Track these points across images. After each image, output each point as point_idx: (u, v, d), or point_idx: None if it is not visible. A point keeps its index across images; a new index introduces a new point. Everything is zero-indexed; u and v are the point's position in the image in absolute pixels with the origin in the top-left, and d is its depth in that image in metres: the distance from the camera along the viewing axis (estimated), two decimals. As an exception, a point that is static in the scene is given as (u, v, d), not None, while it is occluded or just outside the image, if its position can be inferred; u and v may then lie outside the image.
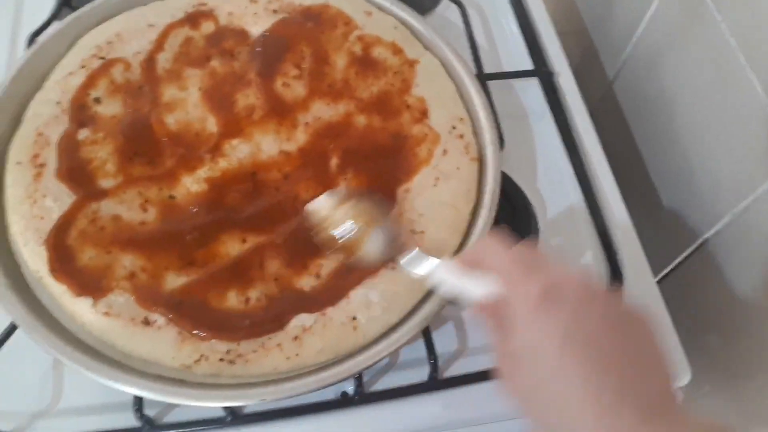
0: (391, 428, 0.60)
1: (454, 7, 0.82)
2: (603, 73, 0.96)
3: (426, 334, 0.60)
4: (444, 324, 0.65)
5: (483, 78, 0.74)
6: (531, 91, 0.79)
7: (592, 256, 0.69)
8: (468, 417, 0.61)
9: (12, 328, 0.56)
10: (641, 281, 0.68)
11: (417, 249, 0.53)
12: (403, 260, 0.53)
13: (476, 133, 0.66)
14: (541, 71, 0.78)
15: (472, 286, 0.46)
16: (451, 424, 0.61)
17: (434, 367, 0.59)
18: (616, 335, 0.40)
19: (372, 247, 0.55)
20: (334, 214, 0.56)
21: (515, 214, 0.68)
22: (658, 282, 0.70)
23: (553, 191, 0.73)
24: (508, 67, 0.80)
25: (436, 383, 0.60)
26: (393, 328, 0.56)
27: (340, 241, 0.55)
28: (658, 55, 0.80)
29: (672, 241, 0.81)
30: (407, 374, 0.61)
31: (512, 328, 0.42)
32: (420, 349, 0.60)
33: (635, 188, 0.84)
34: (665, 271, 0.83)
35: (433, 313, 0.56)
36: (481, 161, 0.64)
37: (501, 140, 0.67)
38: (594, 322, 0.40)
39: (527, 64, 0.79)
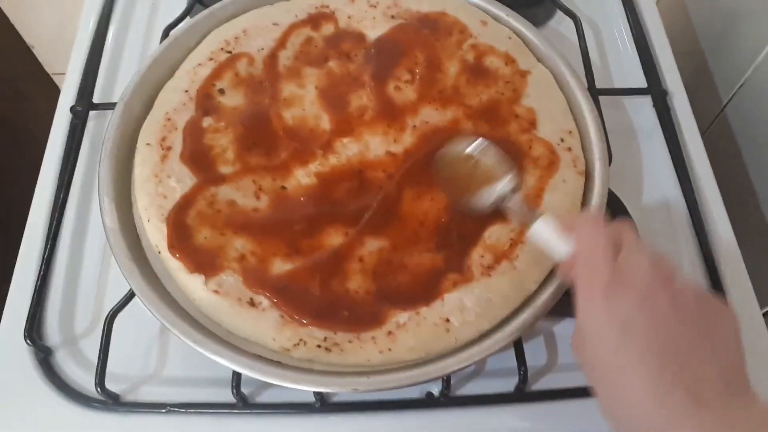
0: (473, 434, 0.60)
1: (568, 20, 0.82)
2: (716, 96, 0.92)
3: (517, 344, 0.60)
4: (535, 337, 0.64)
5: (594, 93, 0.73)
6: (642, 109, 0.77)
7: (695, 277, 0.66)
8: (552, 432, 0.60)
9: (129, 297, 0.60)
10: (746, 313, 0.65)
11: (522, 199, 0.58)
12: (512, 205, 0.57)
13: (584, 147, 0.65)
14: (655, 90, 0.76)
15: (561, 247, 0.50)
16: (535, 438, 0.60)
17: (523, 378, 0.59)
18: (685, 320, 0.41)
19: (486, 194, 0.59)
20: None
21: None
22: (765, 315, 0.66)
23: (659, 212, 0.71)
24: (619, 84, 0.79)
25: (523, 395, 0.60)
26: (485, 335, 0.57)
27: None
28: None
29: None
30: (494, 382, 0.61)
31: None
32: (507, 358, 0.60)
33: (745, 218, 0.80)
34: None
35: (528, 325, 0.56)
36: (587, 176, 0.64)
37: (609, 156, 0.66)
38: (661, 308, 0.41)
39: (640, 82, 0.78)
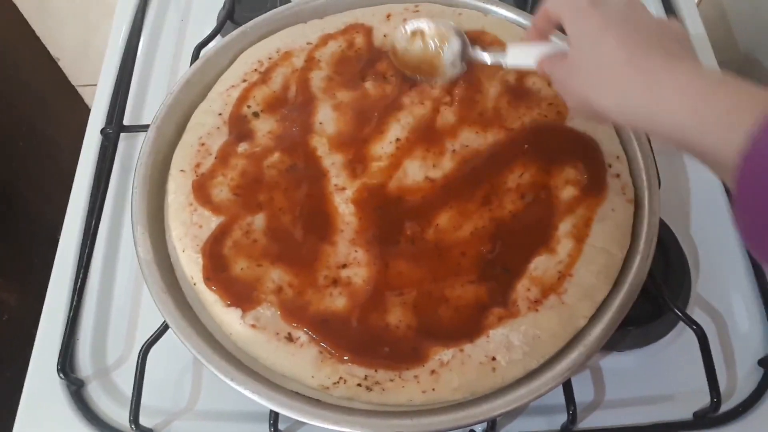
0: (518, 476, 0.58)
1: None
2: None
3: (566, 382, 0.57)
4: (581, 372, 0.61)
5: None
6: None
7: (748, 315, 0.64)
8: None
9: (163, 330, 0.59)
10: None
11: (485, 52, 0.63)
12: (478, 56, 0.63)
13: (632, 173, 0.63)
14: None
15: (533, 54, 0.55)
16: (582, 479, 0.58)
17: (572, 418, 0.57)
18: (654, 23, 0.46)
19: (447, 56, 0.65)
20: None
21: (667, 264, 0.64)
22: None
23: (708, 238, 0.68)
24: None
25: (571, 434, 0.58)
26: (532, 373, 0.54)
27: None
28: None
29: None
30: (539, 420, 0.59)
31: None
32: (554, 394, 0.57)
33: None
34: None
35: (578, 364, 0.53)
36: (636, 203, 0.61)
37: (658, 181, 0.63)
38: (636, 11, 0.47)
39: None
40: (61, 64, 1.23)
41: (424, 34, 0.66)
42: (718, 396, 0.57)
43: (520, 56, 0.57)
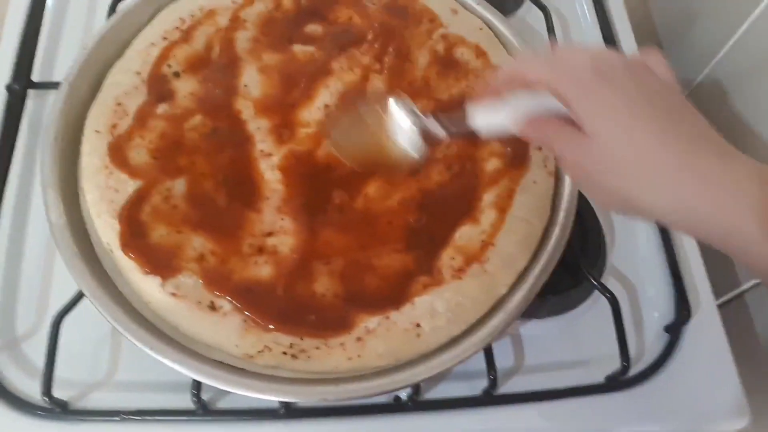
0: (440, 438, 0.59)
1: (536, 10, 0.80)
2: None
3: (487, 348, 0.59)
4: (502, 339, 0.64)
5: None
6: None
7: (656, 285, 0.67)
8: (519, 435, 0.60)
9: (78, 298, 0.56)
10: (705, 311, 0.66)
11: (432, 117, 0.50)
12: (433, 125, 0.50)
13: (555, 146, 0.64)
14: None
15: (508, 113, 0.45)
16: (501, 441, 0.60)
17: (492, 383, 0.58)
18: (670, 94, 0.41)
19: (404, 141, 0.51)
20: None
21: (584, 235, 0.67)
22: (720, 307, 0.68)
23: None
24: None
25: (491, 398, 0.60)
26: (455, 340, 0.56)
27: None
28: (737, 81, 0.78)
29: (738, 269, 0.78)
30: (461, 385, 0.61)
31: (574, 120, 0.42)
32: (475, 361, 0.59)
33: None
34: (728, 296, 0.81)
35: (499, 330, 0.55)
36: (557, 176, 0.63)
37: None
38: (648, 84, 0.41)
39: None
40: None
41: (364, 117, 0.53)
42: (628, 360, 0.60)
43: (494, 119, 0.47)
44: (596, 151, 0.41)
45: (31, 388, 0.56)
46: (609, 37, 0.81)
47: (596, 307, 0.65)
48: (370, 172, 0.58)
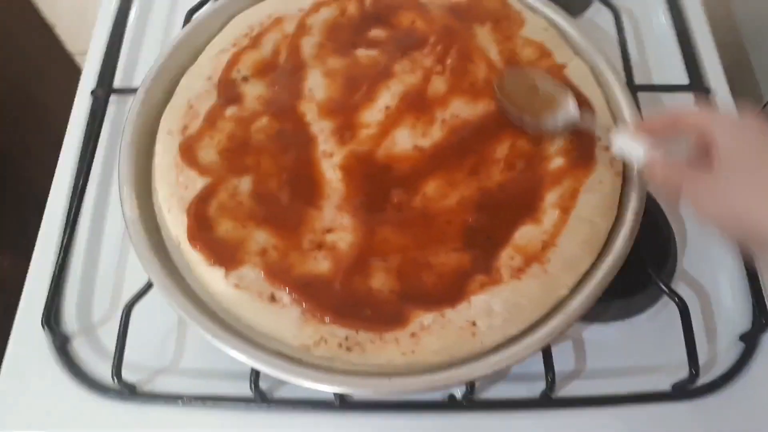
0: (495, 440, 0.58)
1: (606, 11, 0.79)
2: (757, 91, 0.88)
3: (546, 349, 0.58)
4: (562, 341, 0.62)
5: (633, 89, 0.70)
6: (683, 106, 0.74)
7: (732, 291, 0.64)
8: (579, 442, 0.58)
9: (147, 288, 0.59)
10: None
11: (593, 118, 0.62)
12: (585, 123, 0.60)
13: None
14: (697, 87, 0.73)
15: (646, 147, 0.53)
16: (560, 447, 0.58)
17: (550, 385, 0.57)
18: None
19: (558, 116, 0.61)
20: None
21: (654, 239, 0.64)
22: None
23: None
24: (659, 80, 0.76)
25: (549, 401, 0.58)
26: (512, 340, 0.55)
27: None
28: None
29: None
30: (519, 387, 0.60)
31: (711, 156, 0.48)
32: (534, 363, 0.58)
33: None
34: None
35: (558, 332, 0.54)
36: (624, 177, 0.61)
37: (647, 157, 0.63)
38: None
39: (682, 79, 0.75)
40: (57, 30, 1.22)
41: (539, 86, 0.64)
42: (697, 368, 0.57)
43: (632, 146, 0.54)
44: (724, 182, 0.47)
45: (103, 371, 0.59)
46: (684, 40, 0.78)
47: (665, 312, 0.63)
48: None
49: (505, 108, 0.63)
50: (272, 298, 0.55)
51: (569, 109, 0.61)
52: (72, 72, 1.21)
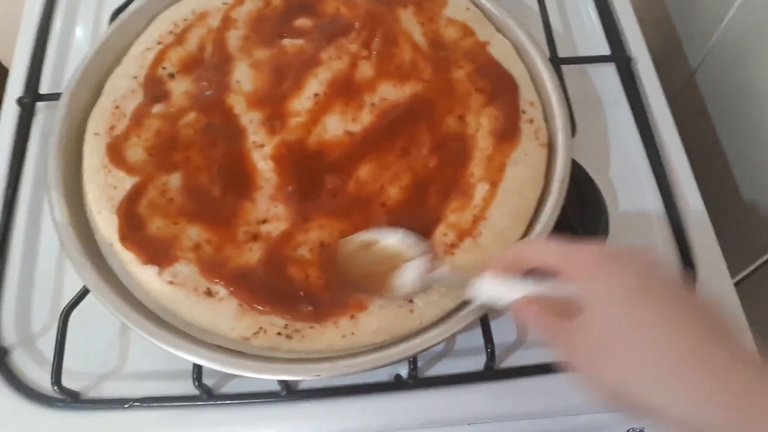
0: (443, 415, 0.59)
1: (528, -15, 0.80)
2: (685, 63, 0.91)
3: (484, 322, 0.59)
4: (502, 315, 0.63)
5: (557, 62, 0.72)
6: (606, 77, 0.76)
7: (665, 253, 0.66)
8: (522, 410, 0.59)
9: (84, 293, 0.59)
10: (717, 281, 0.64)
11: (448, 271, 0.54)
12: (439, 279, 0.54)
13: (547, 118, 0.64)
14: (619, 56, 0.75)
15: (513, 291, 0.47)
16: (505, 416, 0.59)
17: (491, 357, 0.58)
18: (686, 297, 0.40)
19: (405, 279, 0.54)
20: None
21: (585, 206, 0.66)
22: (736, 284, 0.66)
23: (626, 182, 0.70)
24: (583, 53, 0.77)
25: (492, 373, 0.59)
26: (450, 314, 0.55)
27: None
28: (747, 44, 0.75)
29: (754, 242, 0.76)
30: (463, 362, 0.60)
31: (575, 302, 0.41)
32: (476, 337, 0.59)
33: (715, 184, 0.80)
34: (744, 272, 0.78)
35: (493, 301, 0.55)
36: (551, 148, 0.62)
37: (573, 126, 0.64)
38: (661, 281, 0.40)
39: (604, 50, 0.76)
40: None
41: (376, 246, 0.56)
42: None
43: (495, 291, 0.48)
44: (589, 333, 0.41)
45: (45, 381, 0.58)
46: (605, 15, 0.79)
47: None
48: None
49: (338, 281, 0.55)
50: (208, 293, 0.55)
51: (414, 265, 0.54)
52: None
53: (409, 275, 0.54)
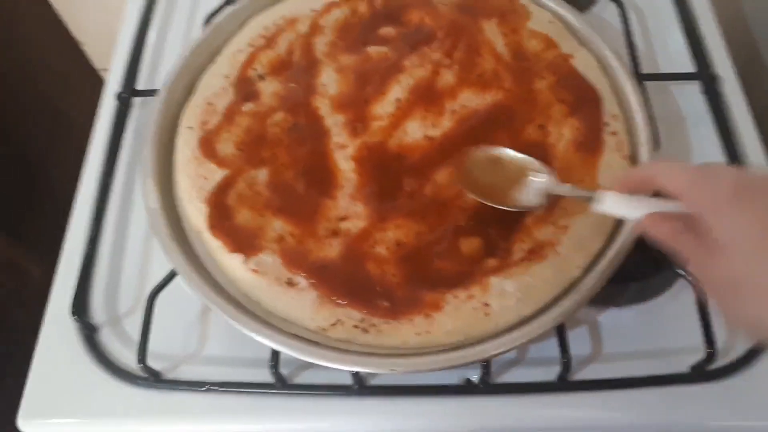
0: (512, 423, 0.58)
1: (612, 6, 0.80)
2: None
3: (560, 332, 0.58)
4: (578, 326, 0.62)
5: (640, 78, 0.71)
6: (689, 95, 0.75)
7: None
8: (595, 424, 0.58)
9: (171, 276, 0.61)
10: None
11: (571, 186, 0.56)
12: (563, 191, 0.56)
13: (629, 132, 0.64)
14: (705, 74, 0.74)
15: (640, 207, 0.47)
16: (577, 429, 0.59)
17: (566, 367, 0.57)
18: None
19: (528, 192, 0.57)
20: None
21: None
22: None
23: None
24: (664, 70, 0.76)
25: (565, 384, 0.59)
26: (526, 321, 0.55)
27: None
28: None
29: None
30: (534, 371, 0.60)
31: (705, 232, 0.41)
32: (550, 347, 0.59)
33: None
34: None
35: (570, 311, 0.54)
36: (633, 161, 0.62)
37: (656, 141, 0.64)
38: None
39: (686, 68, 0.75)
40: (85, 48, 1.27)
41: (503, 160, 0.59)
42: (713, 348, 0.57)
43: (622, 206, 0.49)
44: (725, 266, 0.40)
45: (130, 359, 0.61)
46: (692, 34, 0.78)
47: (682, 295, 0.62)
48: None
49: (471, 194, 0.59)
50: (290, 283, 0.57)
51: (539, 178, 0.57)
52: (99, 87, 1.26)
53: (532, 188, 0.57)
